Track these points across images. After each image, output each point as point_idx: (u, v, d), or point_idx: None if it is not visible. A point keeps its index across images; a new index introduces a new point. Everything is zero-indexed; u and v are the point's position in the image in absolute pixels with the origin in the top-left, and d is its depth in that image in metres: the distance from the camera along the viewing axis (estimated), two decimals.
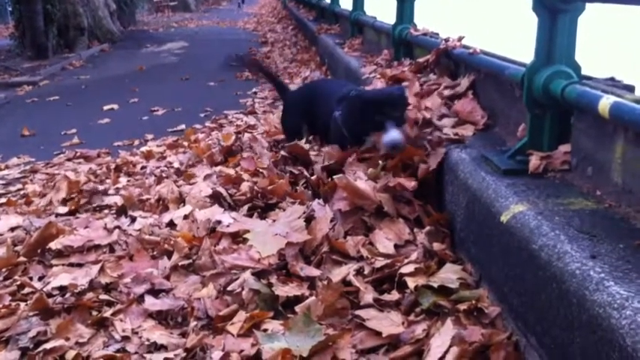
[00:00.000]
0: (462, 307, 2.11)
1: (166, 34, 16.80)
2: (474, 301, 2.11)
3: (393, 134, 2.93)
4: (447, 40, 3.66)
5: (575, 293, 1.57)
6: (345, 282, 2.32)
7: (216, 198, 3.18)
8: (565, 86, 2.21)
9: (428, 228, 2.59)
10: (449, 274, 2.32)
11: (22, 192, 4.13)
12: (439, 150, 2.83)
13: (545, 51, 2.34)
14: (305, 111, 3.86)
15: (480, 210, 2.29)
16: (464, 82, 3.30)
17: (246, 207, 3.02)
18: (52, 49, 11.69)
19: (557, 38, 2.30)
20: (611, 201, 2.00)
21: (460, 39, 3.57)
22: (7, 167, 4.89)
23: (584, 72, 2.34)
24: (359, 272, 2.40)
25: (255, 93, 7.45)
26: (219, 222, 2.83)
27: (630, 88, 2.15)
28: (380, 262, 2.40)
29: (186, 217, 3.01)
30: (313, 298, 2.22)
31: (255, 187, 3.14)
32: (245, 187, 3.20)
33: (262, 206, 3.04)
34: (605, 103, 1.91)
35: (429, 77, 3.73)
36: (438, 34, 4.19)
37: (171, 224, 3.02)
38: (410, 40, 4.49)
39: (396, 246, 2.54)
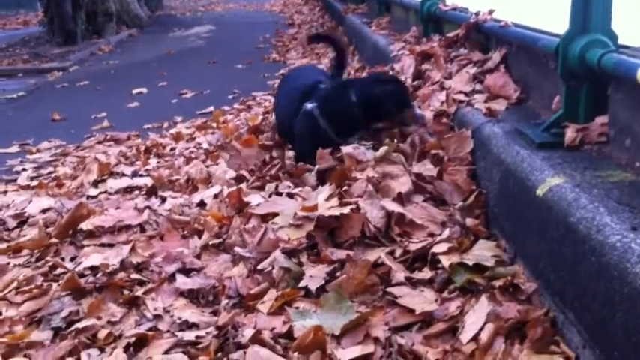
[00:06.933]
0: (497, 283, 2.06)
1: (193, 18, 16.74)
2: (509, 278, 2.07)
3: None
4: (477, 14, 3.59)
5: (616, 266, 1.53)
6: (376, 264, 2.28)
7: (240, 180, 3.16)
8: (601, 55, 2.14)
9: (461, 204, 2.55)
10: (483, 251, 2.27)
11: (53, 175, 4.17)
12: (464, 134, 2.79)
13: (580, 20, 2.27)
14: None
15: (514, 184, 2.24)
16: (495, 56, 3.22)
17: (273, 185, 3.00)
18: (81, 35, 11.72)
19: (592, 6, 2.23)
20: None
21: (491, 12, 3.49)
22: (38, 151, 4.92)
23: (620, 41, 2.27)
24: (391, 254, 2.36)
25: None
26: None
27: None
28: (414, 245, 2.36)
29: (215, 196, 3.00)
30: (345, 276, 2.19)
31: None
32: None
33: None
34: None
35: (459, 52, 3.66)
36: (467, 8, 4.11)
37: (201, 204, 3.01)
38: (439, 16, 4.41)
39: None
